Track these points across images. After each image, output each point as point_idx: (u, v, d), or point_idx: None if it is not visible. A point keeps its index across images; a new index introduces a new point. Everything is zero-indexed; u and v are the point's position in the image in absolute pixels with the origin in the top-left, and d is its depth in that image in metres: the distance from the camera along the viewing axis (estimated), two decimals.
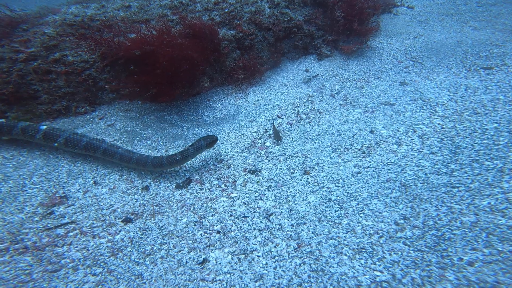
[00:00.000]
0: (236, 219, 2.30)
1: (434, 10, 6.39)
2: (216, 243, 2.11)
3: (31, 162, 2.78)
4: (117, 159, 2.63)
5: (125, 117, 3.28)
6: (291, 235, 2.11)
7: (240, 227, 2.24)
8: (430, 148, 2.70)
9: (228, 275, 1.87)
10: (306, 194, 2.44)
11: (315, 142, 3.02)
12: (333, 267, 1.84)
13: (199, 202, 2.47)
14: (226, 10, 3.77)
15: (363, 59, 4.67)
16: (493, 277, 1.63)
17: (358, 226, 2.09)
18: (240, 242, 2.10)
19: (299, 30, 4.43)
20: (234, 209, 2.38)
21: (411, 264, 1.77)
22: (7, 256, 2.01)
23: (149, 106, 3.48)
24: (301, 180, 2.60)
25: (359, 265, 1.82)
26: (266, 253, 1.99)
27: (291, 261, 1.91)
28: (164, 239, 2.14)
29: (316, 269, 1.84)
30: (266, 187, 2.56)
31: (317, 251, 1.95)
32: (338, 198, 2.35)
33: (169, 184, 2.64)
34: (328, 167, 2.72)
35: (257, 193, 2.51)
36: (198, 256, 2.01)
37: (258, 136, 3.16)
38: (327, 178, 2.58)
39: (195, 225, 2.27)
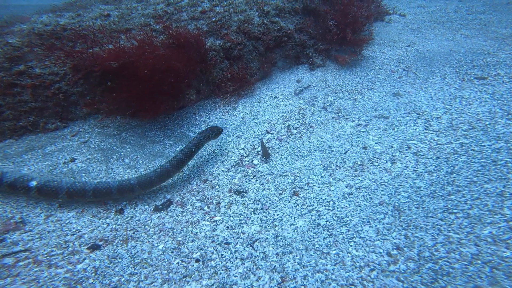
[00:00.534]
0: (217, 246, 2.12)
1: (426, 18, 6.34)
2: (194, 274, 1.93)
3: None
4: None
5: (101, 133, 3.08)
6: (275, 266, 1.93)
7: (222, 255, 2.06)
8: (425, 166, 2.56)
9: None
10: (294, 218, 2.28)
11: (306, 160, 2.86)
12: None
13: (178, 226, 2.29)
14: (214, 19, 3.63)
15: (356, 69, 4.55)
16: None
17: (348, 257, 1.93)
18: (220, 273, 1.92)
19: (290, 39, 4.30)
20: (217, 234, 2.21)
21: None
22: None
23: (129, 121, 3.29)
24: (289, 202, 2.44)
25: None
26: None
27: None
28: (135, 269, 1.95)
29: None
30: (252, 210, 2.40)
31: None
32: (328, 223, 2.19)
33: (146, 207, 2.46)
34: (319, 187, 2.56)
35: (242, 217, 2.34)
36: None
37: (245, 153, 2.99)
38: (317, 200, 2.42)
39: (172, 252, 2.08)
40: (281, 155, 2.94)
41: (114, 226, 2.27)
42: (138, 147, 3.00)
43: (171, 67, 3.02)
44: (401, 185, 2.43)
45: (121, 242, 2.14)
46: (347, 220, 2.17)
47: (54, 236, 2.16)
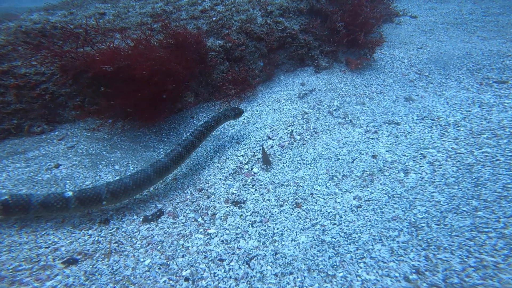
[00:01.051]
0: (210, 262, 1.89)
1: (439, 20, 6.08)
2: None
3: None
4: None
5: (90, 137, 2.90)
6: None
7: (214, 273, 1.83)
8: (443, 178, 2.30)
9: None
10: (296, 232, 2.04)
11: (310, 168, 2.62)
12: None
13: (169, 239, 2.07)
14: (214, 19, 3.46)
15: (364, 72, 4.32)
16: None
17: (357, 281, 1.67)
18: None
19: (294, 40, 4.11)
20: (210, 249, 1.98)
21: None
22: None
23: (122, 124, 3.09)
24: (291, 214, 2.20)
25: None
26: None
27: None
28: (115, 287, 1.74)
29: None
30: (250, 223, 2.17)
31: None
32: (334, 239, 1.94)
33: (135, 217, 2.25)
34: (323, 198, 2.32)
35: (238, 230, 2.11)
36: None
37: (245, 160, 2.77)
38: (322, 212, 2.18)
39: (159, 268, 1.86)
40: (283, 163, 2.71)
41: (96, 238, 2.06)
42: (130, 153, 2.80)
43: (171, 70, 2.84)
44: (416, 198, 2.17)
45: (103, 256, 1.93)
46: (355, 237, 1.92)
47: (26, 249, 1.96)
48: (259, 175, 2.60)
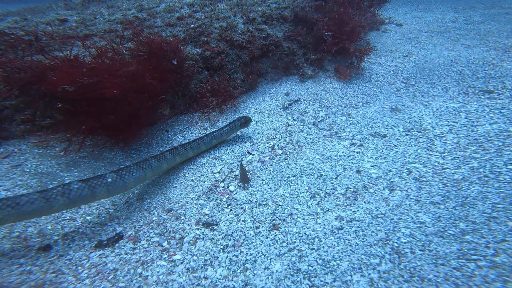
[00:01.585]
0: None
1: (423, 28, 6.08)
2: None
3: None
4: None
5: (41, 155, 2.62)
6: None
7: None
8: (430, 196, 2.16)
9: None
10: (270, 259, 1.85)
11: (290, 186, 2.45)
12: None
13: (125, 267, 1.84)
14: (192, 26, 3.31)
15: (350, 81, 4.22)
16: None
17: None
18: None
19: (277, 48, 3.98)
20: (172, 279, 1.76)
21: None
22: None
23: (80, 138, 2.68)
24: (267, 237, 2.01)
25: None
26: None
27: None
28: None
29: None
30: (222, 247, 1.97)
31: None
32: (310, 268, 1.76)
33: (86, 242, 2.01)
34: (303, 219, 2.14)
35: (208, 255, 1.91)
36: None
37: (221, 177, 2.59)
38: (300, 235, 2.00)
39: None
40: (262, 180, 2.54)
41: (28, 268, 1.79)
42: (90, 171, 2.55)
43: (146, 85, 2.63)
44: (401, 218, 2.02)
45: None
46: (333, 265, 1.75)
47: None
48: (236, 193, 2.42)
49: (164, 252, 1.94)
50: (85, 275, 1.77)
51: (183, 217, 2.21)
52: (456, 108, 3.33)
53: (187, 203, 2.33)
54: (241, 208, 2.27)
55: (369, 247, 1.84)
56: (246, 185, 2.49)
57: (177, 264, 1.85)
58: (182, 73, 3.11)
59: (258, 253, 1.90)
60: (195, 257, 1.89)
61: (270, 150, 2.90)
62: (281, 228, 2.08)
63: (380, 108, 3.54)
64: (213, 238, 2.04)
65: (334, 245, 1.90)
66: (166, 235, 2.07)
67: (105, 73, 2.38)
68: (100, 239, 2.02)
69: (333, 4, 4.53)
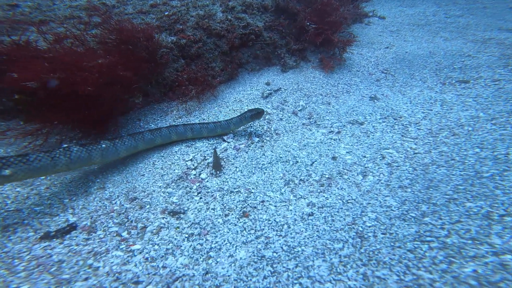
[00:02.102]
0: (120, 286, 1.60)
1: (405, 21, 6.12)
2: None
3: None
4: None
5: None
6: None
7: None
8: (399, 180, 2.16)
9: None
10: (236, 247, 1.81)
11: (264, 173, 2.42)
12: None
13: (73, 258, 1.74)
14: (166, 13, 3.22)
15: (332, 71, 4.20)
16: None
17: None
18: None
19: (258, 38, 3.93)
20: (127, 269, 1.68)
21: None
22: None
23: (40, 126, 2.48)
24: (235, 225, 1.98)
25: None
26: None
27: None
28: None
29: None
30: (187, 236, 1.92)
31: None
32: (274, 255, 1.73)
33: (30, 234, 1.91)
34: (275, 206, 2.12)
35: (170, 245, 1.85)
36: None
37: (193, 165, 2.53)
38: (269, 222, 1.98)
39: None
40: (236, 167, 2.50)
41: None
42: None
43: (119, 77, 2.52)
44: (369, 203, 2.02)
45: None
46: (298, 251, 1.73)
47: None
48: (207, 181, 2.37)
49: (122, 242, 1.87)
50: (22, 267, 1.67)
51: (148, 206, 2.15)
52: (432, 97, 3.36)
53: (154, 191, 2.28)
54: (212, 196, 2.23)
55: (335, 232, 1.83)
56: (218, 172, 2.45)
57: (135, 254, 1.79)
58: (155, 61, 3.02)
59: (224, 241, 1.86)
60: (156, 247, 1.84)
61: (246, 138, 2.86)
62: (251, 215, 2.05)
63: (360, 97, 3.54)
64: (178, 227, 1.99)
65: (302, 231, 1.88)
66: (127, 225, 2.00)
67: (73, 67, 2.26)
68: (48, 230, 1.93)
69: None
